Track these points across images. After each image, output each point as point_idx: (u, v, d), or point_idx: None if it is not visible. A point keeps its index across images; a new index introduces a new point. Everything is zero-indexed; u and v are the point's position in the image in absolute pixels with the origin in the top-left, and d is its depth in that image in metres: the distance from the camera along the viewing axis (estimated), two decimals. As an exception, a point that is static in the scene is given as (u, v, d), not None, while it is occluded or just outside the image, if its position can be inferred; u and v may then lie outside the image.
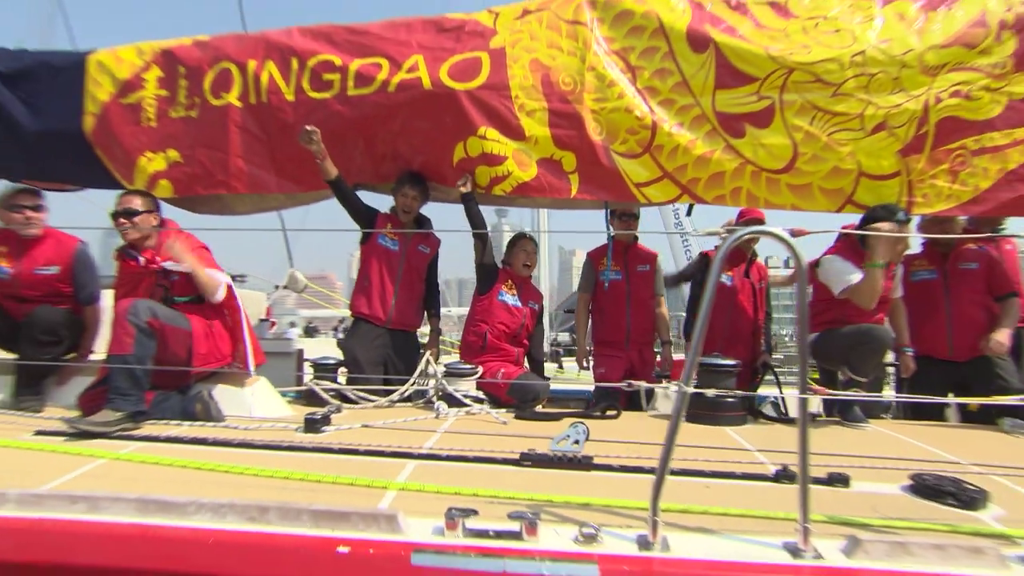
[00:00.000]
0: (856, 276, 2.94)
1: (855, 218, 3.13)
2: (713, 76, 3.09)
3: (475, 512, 1.44)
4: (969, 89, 2.86)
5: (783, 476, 1.89)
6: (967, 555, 1.32)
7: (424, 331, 3.95)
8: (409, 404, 3.08)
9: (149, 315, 2.56)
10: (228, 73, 3.50)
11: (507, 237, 3.80)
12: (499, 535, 1.40)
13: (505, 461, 2.02)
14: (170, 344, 2.66)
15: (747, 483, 1.90)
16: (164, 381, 2.68)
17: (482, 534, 1.40)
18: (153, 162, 3.58)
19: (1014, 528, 1.53)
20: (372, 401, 3.05)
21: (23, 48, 3.79)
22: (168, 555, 1.42)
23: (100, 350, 3.09)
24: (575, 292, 4.63)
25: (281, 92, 3.42)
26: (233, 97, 3.49)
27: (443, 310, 4.00)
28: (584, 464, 1.98)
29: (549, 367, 8.84)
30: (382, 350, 3.45)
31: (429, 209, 3.69)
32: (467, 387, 3.12)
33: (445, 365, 3.25)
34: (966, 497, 1.69)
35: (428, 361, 3.17)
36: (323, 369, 3.35)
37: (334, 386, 3.15)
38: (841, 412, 2.94)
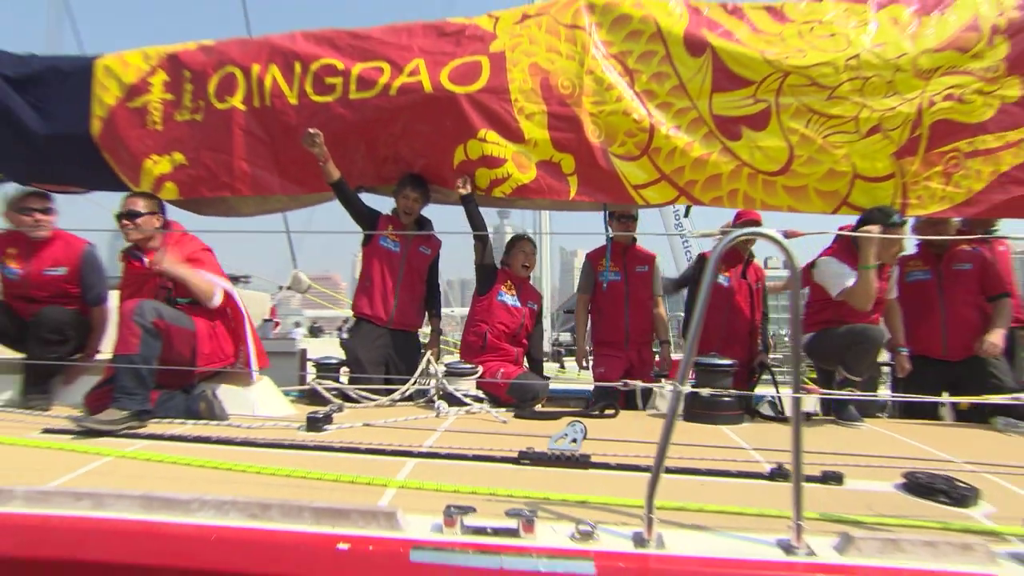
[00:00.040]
0: (852, 279, 2.94)
1: (851, 219, 3.14)
2: (710, 79, 3.10)
3: (473, 510, 1.45)
4: (962, 92, 2.87)
5: (778, 474, 1.90)
6: (957, 551, 1.33)
7: (425, 331, 3.96)
8: (410, 403, 3.08)
9: (155, 316, 2.57)
10: (232, 77, 3.51)
11: (509, 238, 3.80)
12: (497, 532, 1.40)
13: (504, 459, 2.02)
14: (175, 344, 2.67)
15: (743, 481, 1.90)
16: (169, 380, 2.69)
17: (480, 531, 1.41)
18: (159, 165, 3.59)
19: (1004, 525, 1.54)
20: (374, 400, 3.06)
21: (32, 53, 3.80)
22: (172, 551, 1.42)
23: (107, 350, 3.10)
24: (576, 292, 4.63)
25: (284, 96, 3.43)
26: (237, 101, 3.50)
27: (446, 310, 4.02)
28: (582, 462, 1.99)
29: (551, 367, 8.85)
30: (384, 350, 3.45)
31: (430, 211, 3.70)
32: (467, 386, 3.13)
33: (446, 365, 3.26)
34: (957, 495, 1.70)
35: (429, 361, 3.18)
36: (325, 369, 3.36)
37: (336, 385, 3.16)
38: (836, 411, 2.95)
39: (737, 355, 3.38)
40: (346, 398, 3.08)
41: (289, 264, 7.61)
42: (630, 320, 3.81)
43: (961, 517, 1.62)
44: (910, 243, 3.42)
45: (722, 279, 3.76)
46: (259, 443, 2.21)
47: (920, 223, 3.32)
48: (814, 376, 3.49)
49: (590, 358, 3.98)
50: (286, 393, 3.06)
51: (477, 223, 3.42)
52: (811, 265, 3.23)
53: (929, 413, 3.28)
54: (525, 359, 3.66)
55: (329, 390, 3.07)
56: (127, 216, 2.84)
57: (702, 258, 4.13)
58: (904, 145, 2.94)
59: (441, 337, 3.88)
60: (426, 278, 3.64)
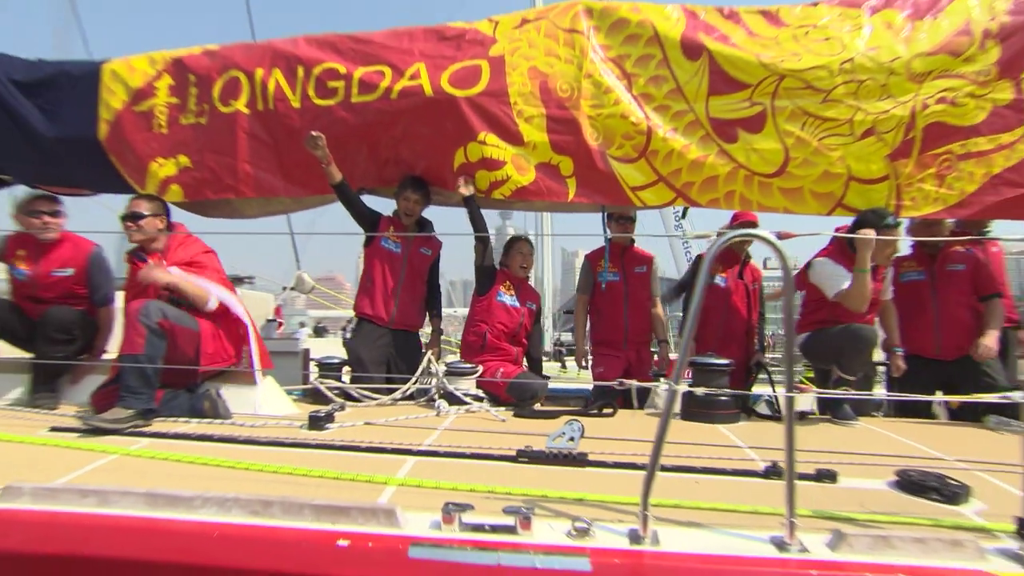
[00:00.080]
0: (847, 281, 2.94)
1: (846, 221, 3.14)
2: (706, 83, 3.10)
3: (471, 507, 1.45)
4: (955, 96, 2.87)
5: (772, 472, 1.90)
6: (947, 548, 1.33)
7: (426, 331, 3.97)
8: (411, 402, 3.09)
9: (160, 316, 2.58)
10: (236, 81, 3.52)
11: (507, 239, 3.80)
12: (494, 529, 1.41)
13: (502, 458, 2.02)
14: (179, 344, 2.68)
15: (738, 479, 1.91)
16: (173, 380, 2.70)
17: (478, 528, 1.41)
18: (164, 167, 3.60)
19: (994, 522, 1.54)
20: (375, 399, 3.07)
21: (41, 58, 3.82)
22: (175, 547, 1.43)
23: (113, 350, 3.11)
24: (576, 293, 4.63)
25: (287, 99, 3.44)
26: (241, 104, 3.51)
27: (449, 310, 4.02)
28: (579, 461, 1.99)
29: (553, 366, 8.84)
30: (385, 349, 3.46)
31: (431, 212, 3.71)
32: (467, 386, 3.14)
33: (446, 364, 3.27)
34: (949, 492, 1.70)
35: (430, 360, 3.18)
36: (328, 368, 3.37)
37: (338, 385, 3.17)
38: (831, 410, 2.95)
39: (734, 355, 3.38)
40: (348, 397, 3.09)
41: (293, 265, 7.63)
42: (629, 320, 3.82)
43: (952, 514, 1.62)
44: (904, 244, 3.43)
45: (719, 280, 3.76)
46: (261, 441, 2.22)
47: (914, 224, 3.32)
48: (811, 376, 3.49)
49: (589, 358, 3.99)
50: (289, 392, 3.07)
51: (479, 225, 3.42)
52: (807, 266, 3.23)
53: (923, 412, 3.28)
54: (524, 358, 3.66)
55: (331, 389, 3.07)
56: (130, 218, 2.85)
57: (700, 259, 4.13)
58: (898, 147, 2.94)
59: (443, 337, 3.88)
60: (427, 279, 3.65)
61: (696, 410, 2.83)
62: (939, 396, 3.24)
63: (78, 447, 2.14)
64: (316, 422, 2.44)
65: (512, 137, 3.25)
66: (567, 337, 12.51)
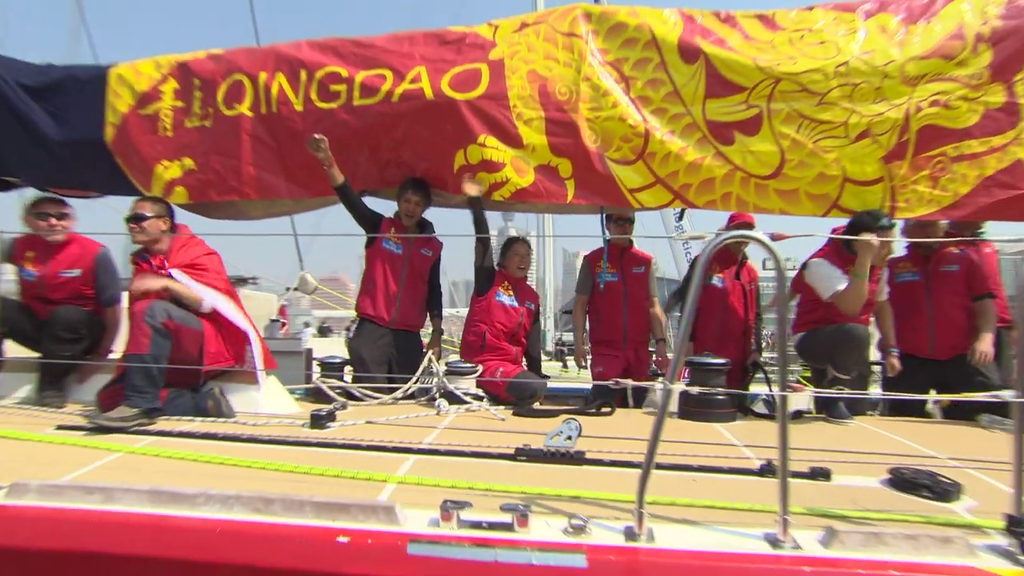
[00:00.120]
0: (843, 284, 2.94)
1: (841, 222, 3.14)
2: (703, 86, 3.10)
3: (469, 504, 1.46)
4: (948, 99, 2.87)
5: (767, 470, 1.90)
6: (937, 544, 1.33)
7: (427, 331, 3.97)
8: (412, 401, 3.09)
9: (164, 316, 2.59)
10: (240, 85, 3.53)
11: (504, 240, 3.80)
12: (492, 526, 1.41)
13: (501, 456, 2.03)
14: (183, 344, 2.69)
15: (733, 477, 1.91)
16: (178, 379, 2.71)
17: (476, 525, 1.42)
18: (169, 170, 3.62)
19: (984, 519, 1.54)
20: (376, 398, 3.07)
21: (50, 63, 3.84)
22: (178, 544, 1.44)
23: (119, 349, 3.13)
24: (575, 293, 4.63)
25: (290, 102, 3.45)
26: (245, 107, 3.52)
27: (451, 310, 4.03)
28: (576, 459, 1.99)
29: (554, 366, 8.84)
30: (386, 349, 3.46)
31: (432, 213, 3.72)
32: (467, 385, 3.14)
33: (447, 364, 3.27)
34: (940, 489, 1.70)
35: (430, 360, 3.19)
36: (330, 368, 3.38)
37: (340, 384, 3.17)
38: (827, 409, 2.95)
39: (731, 354, 3.38)
40: (350, 396, 3.10)
41: (296, 266, 7.63)
42: (628, 320, 3.82)
43: (943, 511, 1.63)
44: (899, 245, 3.43)
45: (716, 280, 3.77)
46: (264, 440, 2.23)
47: (909, 225, 3.32)
48: (808, 375, 3.49)
49: (588, 357, 3.99)
50: (292, 391, 3.07)
51: (481, 226, 3.42)
52: (803, 267, 3.23)
53: (917, 411, 3.28)
54: (523, 358, 3.66)
55: (333, 388, 3.08)
56: (134, 220, 2.86)
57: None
58: (892, 150, 2.93)
59: (445, 336, 3.88)
60: (427, 279, 3.65)
61: (693, 409, 2.83)
62: (931, 395, 3.24)
63: (84, 445, 2.16)
64: (318, 421, 2.45)
65: (511, 140, 3.26)
66: (569, 337, 12.52)
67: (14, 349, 3.17)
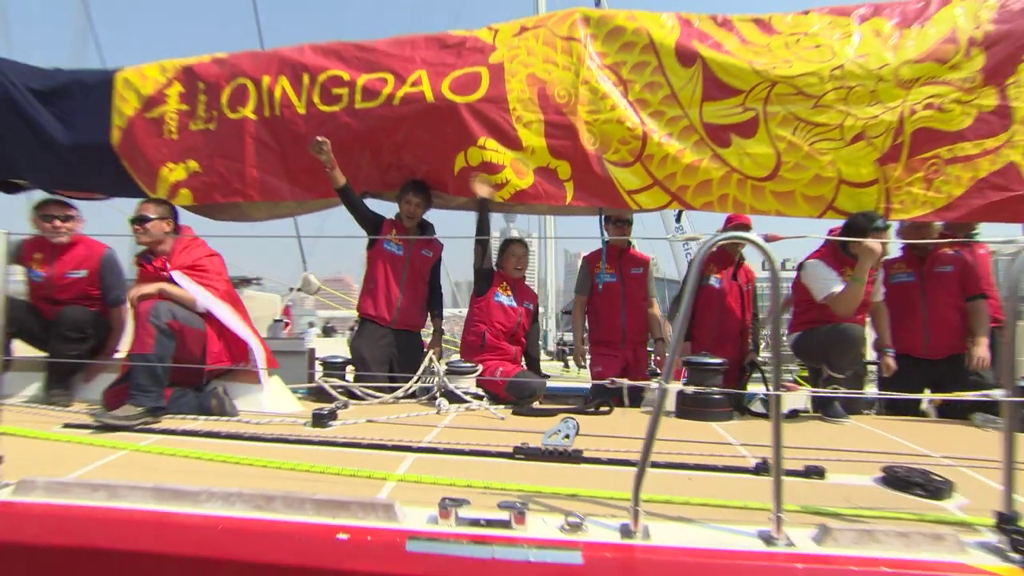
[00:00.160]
0: (838, 286, 2.94)
1: (836, 223, 3.14)
2: (700, 89, 3.11)
3: (467, 502, 1.46)
4: (941, 102, 2.87)
5: (762, 469, 1.90)
6: (929, 541, 1.33)
7: (428, 331, 3.97)
8: (413, 400, 3.10)
9: (169, 317, 2.60)
10: (244, 88, 3.55)
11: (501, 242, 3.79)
12: (489, 524, 1.42)
13: (499, 454, 2.03)
14: (188, 343, 2.70)
15: (729, 476, 1.91)
16: (182, 378, 2.72)
17: (473, 523, 1.42)
18: (174, 172, 3.63)
19: (975, 516, 1.54)
20: (377, 397, 3.08)
21: (58, 67, 3.85)
22: (180, 540, 1.45)
23: (124, 349, 3.14)
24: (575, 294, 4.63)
25: (293, 106, 3.46)
26: (249, 111, 3.53)
27: (454, 310, 4.03)
28: (574, 457, 2.00)
29: (556, 365, 8.84)
30: (387, 349, 3.47)
31: (432, 215, 3.72)
32: (467, 384, 3.14)
33: (447, 363, 3.27)
34: (932, 487, 1.70)
35: (431, 359, 3.19)
36: (332, 367, 3.38)
37: (342, 383, 3.18)
38: (823, 408, 2.95)
39: (728, 354, 3.38)
40: (351, 395, 3.10)
41: (300, 266, 7.64)
42: (626, 320, 3.83)
43: (935, 509, 1.63)
44: (894, 246, 3.43)
45: (714, 281, 3.77)
46: (266, 438, 2.24)
47: (904, 227, 3.32)
48: (806, 375, 3.49)
49: (588, 357, 3.99)
50: (294, 391, 3.08)
51: (484, 228, 3.42)
52: (799, 267, 3.23)
53: (912, 410, 3.28)
54: (523, 357, 3.66)
55: (335, 388, 3.08)
56: (137, 221, 2.87)
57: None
58: (887, 152, 2.94)
59: (447, 336, 3.88)
60: (428, 280, 3.65)
61: (691, 408, 2.83)
62: (925, 394, 3.24)
63: (90, 443, 2.17)
64: (319, 419, 2.45)
65: (511, 142, 3.26)
66: (570, 337, 12.53)
67: (22, 349, 3.18)
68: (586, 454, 2.01)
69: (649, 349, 4.05)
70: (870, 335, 3.39)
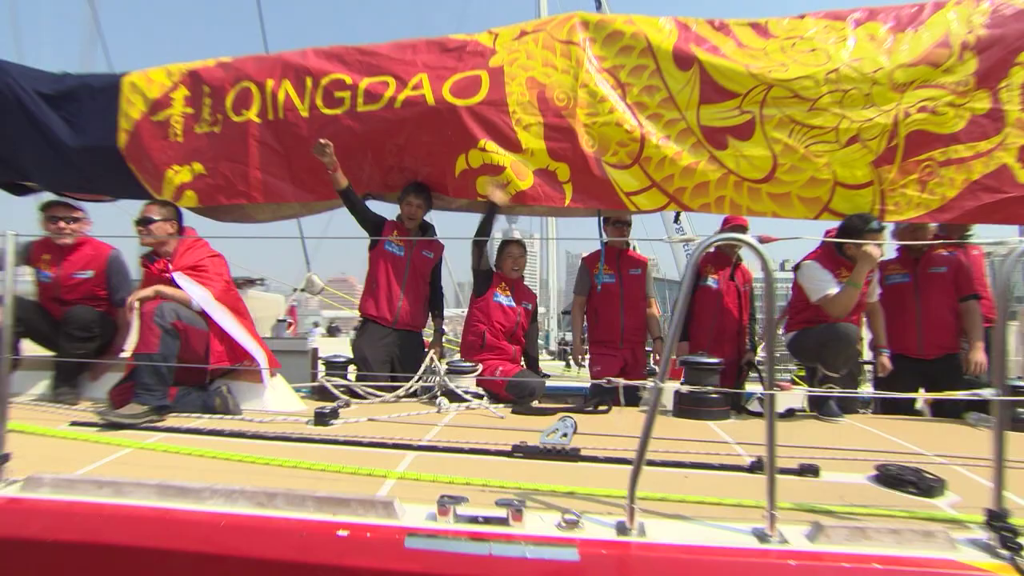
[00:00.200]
0: (832, 288, 2.94)
1: (833, 224, 3.14)
2: (698, 92, 3.11)
3: (466, 499, 1.47)
4: (935, 105, 2.87)
5: (758, 467, 1.90)
6: (919, 538, 1.34)
7: (429, 331, 3.98)
8: (413, 399, 3.10)
9: (174, 317, 2.61)
10: (248, 92, 3.56)
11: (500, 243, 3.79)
12: (487, 521, 1.42)
13: (498, 453, 2.04)
14: (192, 343, 2.71)
15: (724, 474, 1.91)
16: (186, 377, 2.73)
17: (472, 520, 1.43)
18: (180, 174, 3.64)
19: (966, 513, 1.54)
20: (379, 396, 3.08)
21: (66, 71, 3.87)
22: (184, 536, 1.45)
23: (130, 348, 3.15)
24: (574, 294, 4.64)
25: (296, 109, 3.47)
26: (253, 114, 3.54)
27: (457, 310, 4.02)
28: (571, 456, 2.00)
29: (557, 365, 8.84)
30: (389, 349, 3.47)
31: (434, 216, 3.73)
32: (468, 384, 3.15)
33: (448, 363, 3.28)
34: (925, 485, 1.70)
35: (432, 359, 3.20)
36: (334, 366, 3.39)
37: (344, 382, 3.18)
38: (817, 407, 2.95)
39: (726, 354, 3.38)
40: (353, 394, 3.11)
41: (304, 267, 7.66)
42: (625, 320, 3.83)
43: (927, 506, 1.63)
44: (889, 248, 3.43)
45: (711, 281, 3.78)
46: (269, 436, 2.24)
47: (899, 228, 3.32)
48: (803, 374, 3.49)
49: (587, 356, 3.99)
50: (297, 390, 3.09)
51: (486, 230, 3.41)
52: (795, 268, 3.23)
53: (907, 409, 3.27)
54: (522, 357, 3.67)
55: (337, 387, 3.09)
56: (142, 223, 2.88)
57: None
58: (881, 154, 2.94)
59: (445, 337, 3.88)
60: (429, 280, 3.66)
61: (688, 407, 2.83)
62: (919, 394, 3.23)
63: (96, 440, 2.18)
64: (321, 418, 2.46)
65: (511, 144, 3.27)
66: (571, 336, 12.52)
67: (30, 348, 3.19)
68: (583, 452, 2.02)
69: (648, 349, 4.05)
70: (866, 335, 3.39)
